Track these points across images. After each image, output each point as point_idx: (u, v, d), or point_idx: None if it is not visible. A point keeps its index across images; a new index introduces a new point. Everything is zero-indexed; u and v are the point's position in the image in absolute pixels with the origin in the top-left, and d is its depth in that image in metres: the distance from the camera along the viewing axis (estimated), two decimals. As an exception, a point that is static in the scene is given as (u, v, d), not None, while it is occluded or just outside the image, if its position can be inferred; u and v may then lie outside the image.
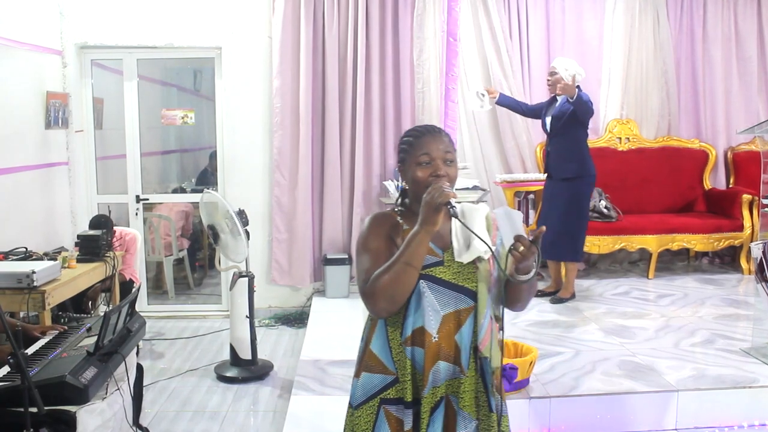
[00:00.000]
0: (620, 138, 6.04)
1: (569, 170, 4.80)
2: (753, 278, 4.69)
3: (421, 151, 1.84)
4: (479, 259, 1.83)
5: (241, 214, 4.33)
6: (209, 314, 5.70)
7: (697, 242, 5.65)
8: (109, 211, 5.63)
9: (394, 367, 1.84)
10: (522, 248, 1.71)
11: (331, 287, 5.37)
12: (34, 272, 3.41)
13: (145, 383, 3.37)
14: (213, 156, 6.21)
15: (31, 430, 2.02)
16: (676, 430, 3.34)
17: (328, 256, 5.44)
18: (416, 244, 1.73)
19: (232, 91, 5.46)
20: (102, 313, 3.03)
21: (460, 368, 1.82)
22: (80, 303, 4.43)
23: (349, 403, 1.91)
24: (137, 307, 3.17)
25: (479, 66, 5.73)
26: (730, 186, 6.11)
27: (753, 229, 5.59)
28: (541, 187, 5.41)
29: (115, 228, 4.64)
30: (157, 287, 6.27)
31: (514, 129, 5.76)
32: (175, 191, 7.04)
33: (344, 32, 5.39)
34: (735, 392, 3.41)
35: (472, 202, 2.16)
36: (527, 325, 4.44)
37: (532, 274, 1.78)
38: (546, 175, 5.03)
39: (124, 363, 2.65)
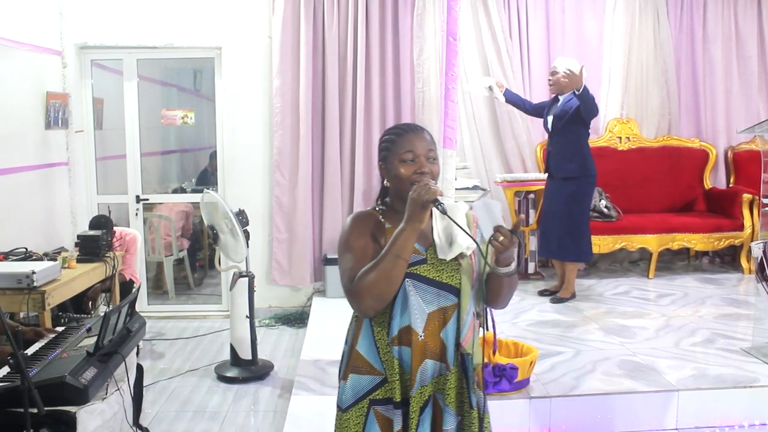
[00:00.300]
0: (620, 137, 6.03)
1: (570, 170, 4.80)
2: (753, 278, 4.69)
3: (405, 149, 1.84)
4: (462, 255, 1.84)
5: (241, 214, 4.33)
6: (209, 314, 5.70)
7: (697, 242, 5.65)
8: (109, 212, 5.63)
9: (382, 367, 1.84)
10: (502, 238, 1.71)
11: (332, 287, 5.36)
12: (34, 272, 3.41)
13: (145, 383, 3.37)
14: (213, 156, 6.21)
15: (31, 430, 2.02)
16: (676, 429, 3.34)
17: (329, 256, 5.43)
18: (403, 240, 1.73)
19: (232, 91, 5.46)
20: (102, 314, 3.03)
21: (445, 365, 1.84)
22: (80, 303, 4.43)
23: (338, 406, 1.91)
24: (137, 308, 3.17)
25: (479, 66, 5.73)
26: (731, 185, 6.11)
27: (753, 228, 5.59)
28: (542, 187, 5.42)
29: (115, 228, 4.64)
30: (157, 287, 6.26)
31: (515, 128, 5.76)
32: (175, 191, 7.04)
33: (344, 32, 5.39)
34: (735, 392, 3.41)
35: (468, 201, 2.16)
36: (527, 324, 4.44)
37: (513, 266, 1.78)
38: (546, 174, 5.03)
39: (124, 363, 2.65)
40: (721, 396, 3.39)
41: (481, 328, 1.92)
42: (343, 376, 1.90)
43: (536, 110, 5.14)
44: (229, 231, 4.21)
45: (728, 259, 6.16)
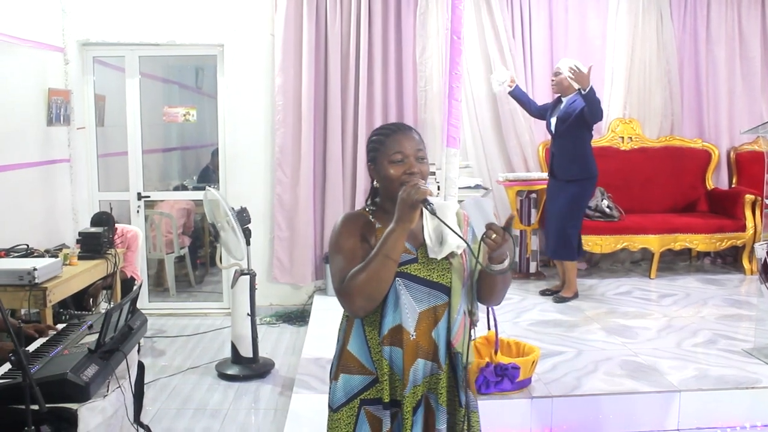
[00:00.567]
0: (623, 137, 6.03)
1: (573, 172, 4.80)
2: (755, 278, 4.68)
3: (394, 149, 1.83)
4: (452, 254, 1.84)
5: (242, 211, 4.32)
6: (210, 312, 5.69)
7: (699, 242, 5.64)
8: (111, 209, 5.60)
9: (373, 366, 1.84)
10: (494, 235, 1.71)
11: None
12: (35, 269, 3.41)
13: (146, 381, 3.37)
14: (215, 153, 6.21)
15: (33, 427, 2.01)
16: (678, 430, 3.34)
17: (330, 255, 5.42)
18: (393, 240, 1.73)
19: (234, 88, 5.45)
20: (103, 311, 3.03)
21: (437, 364, 1.84)
22: (81, 300, 4.43)
23: (329, 406, 1.91)
24: (138, 305, 3.16)
25: (482, 65, 5.72)
26: (733, 186, 6.10)
27: (755, 229, 5.58)
28: (544, 186, 5.42)
29: (116, 225, 4.63)
30: (158, 285, 6.26)
31: (517, 128, 5.76)
32: (176, 189, 7.03)
33: (347, 30, 5.38)
34: (737, 393, 3.41)
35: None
36: (529, 324, 4.43)
37: (507, 263, 1.77)
38: (549, 174, 5.03)
39: (125, 360, 2.65)
40: (722, 397, 3.38)
41: (473, 327, 1.92)
42: (334, 376, 1.91)
43: (539, 112, 5.14)
44: (231, 228, 4.21)
45: (730, 260, 6.15)
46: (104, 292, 4.55)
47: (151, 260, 6.11)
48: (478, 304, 1.95)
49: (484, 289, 1.89)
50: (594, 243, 5.44)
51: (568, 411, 3.31)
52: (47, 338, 2.78)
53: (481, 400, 3.15)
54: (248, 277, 4.28)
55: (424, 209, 1.77)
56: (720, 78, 6.01)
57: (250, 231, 4.35)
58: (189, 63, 7.41)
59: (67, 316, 4.08)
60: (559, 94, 4.93)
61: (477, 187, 5.16)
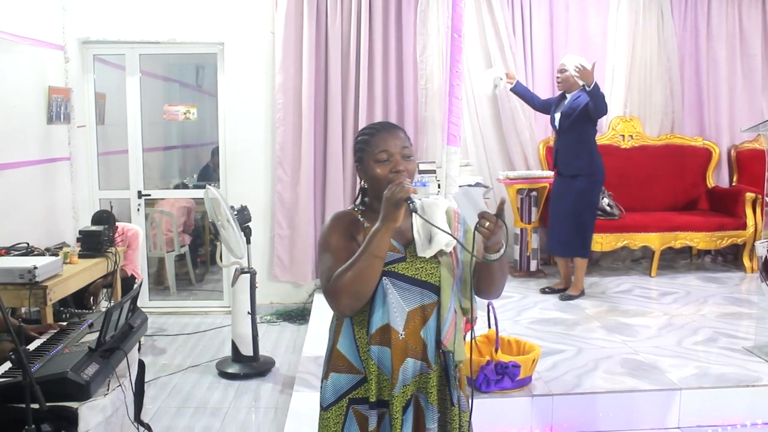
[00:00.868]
0: (623, 135, 6.02)
1: (578, 167, 4.79)
2: (755, 276, 4.68)
3: (379, 149, 1.82)
4: (441, 252, 1.83)
5: (243, 210, 4.32)
6: (211, 310, 5.69)
7: (699, 240, 5.64)
8: (111, 207, 5.61)
9: (362, 366, 1.84)
10: (488, 223, 1.70)
11: (333, 284, 5.35)
12: (35, 268, 3.41)
13: (146, 379, 3.37)
14: (215, 152, 6.20)
15: (33, 426, 2.01)
16: (678, 428, 3.34)
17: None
18: (378, 239, 1.72)
19: (234, 86, 5.45)
20: (103, 309, 3.03)
21: (427, 364, 1.83)
22: (82, 299, 4.43)
23: (320, 405, 1.91)
24: (139, 303, 3.16)
25: (483, 62, 5.72)
26: (734, 184, 6.09)
27: (756, 227, 5.58)
28: (545, 184, 5.43)
29: (117, 224, 4.63)
30: (158, 283, 6.26)
31: (517, 126, 5.75)
32: (177, 187, 7.03)
33: (347, 28, 5.38)
34: (738, 391, 3.41)
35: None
36: (530, 322, 4.43)
37: (503, 251, 1.77)
38: (554, 172, 5.02)
39: (125, 359, 2.64)
40: (723, 395, 3.38)
41: (468, 325, 1.91)
42: (324, 376, 1.90)
43: (543, 106, 5.14)
44: (231, 227, 4.21)
45: (731, 258, 6.15)
46: (104, 290, 4.55)
47: (151, 259, 6.11)
48: (477, 299, 1.94)
49: (483, 281, 1.88)
50: (595, 241, 5.41)
51: (569, 409, 3.31)
52: (47, 337, 2.78)
53: (481, 399, 3.17)
54: (249, 275, 4.28)
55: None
56: (721, 76, 6.01)
57: (250, 229, 4.35)
58: (189, 61, 7.41)
59: (68, 315, 4.09)
60: (564, 91, 4.92)
61: (477, 185, 5.15)
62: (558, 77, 4.91)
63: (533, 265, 5.67)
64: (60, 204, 5.16)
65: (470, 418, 1.94)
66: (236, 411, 3.78)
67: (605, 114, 4.76)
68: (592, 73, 4.51)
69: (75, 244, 4.36)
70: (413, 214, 1.78)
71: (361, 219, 1.87)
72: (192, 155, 8.05)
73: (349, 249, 1.79)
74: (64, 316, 4.05)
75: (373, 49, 5.41)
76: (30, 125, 4.75)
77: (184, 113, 5.69)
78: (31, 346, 2.64)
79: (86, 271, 4.00)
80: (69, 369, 2.29)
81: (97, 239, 4.22)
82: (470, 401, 1.95)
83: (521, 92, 5.14)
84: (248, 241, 4.33)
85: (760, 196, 5.50)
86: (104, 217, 4.51)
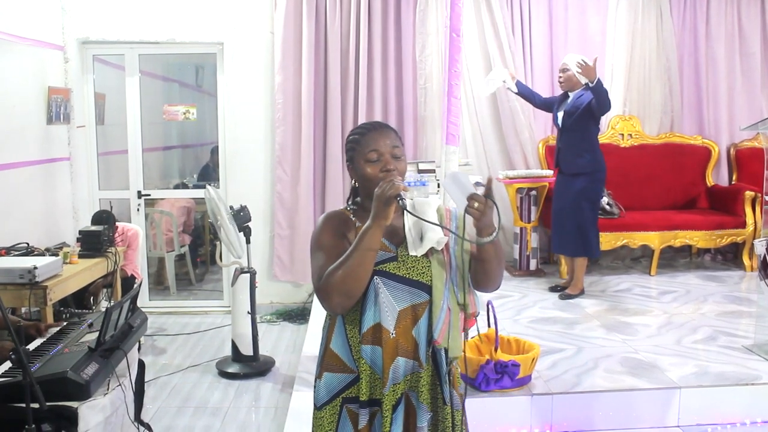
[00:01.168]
0: (623, 134, 6.02)
1: (580, 165, 4.79)
2: (755, 275, 4.67)
3: (369, 148, 1.83)
4: (432, 251, 1.83)
5: (243, 210, 4.32)
6: (211, 310, 5.70)
7: (699, 239, 5.64)
8: (111, 207, 5.61)
9: (354, 365, 1.84)
10: (477, 204, 1.70)
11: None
12: (36, 268, 3.42)
13: (146, 379, 3.37)
14: (215, 152, 6.21)
15: (33, 425, 2.02)
16: (678, 427, 3.34)
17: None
18: (368, 237, 1.72)
19: (234, 86, 5.45)
20: (103, 309, 3.03)
21: (418, 363, 1.83)
22: (82, 298, 4.43)
23: (314, 405, 1.91)
24: (139, 303, 3.16)
25: (482, 62, 5.72)
26: (733, 183, 6.09)
27: (755, 225, 5.58)
28: (544, 184, 5.43)
29: (116, 224, 4.64)
30: (158, 283, 6.27)
31: (517, 125, 5.76)
32: (176, 187, 7.04)
33: (346, 28, 5.38)
34: (737, 389, 3.41)
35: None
36: (529, 321, 4.43)
37: (496, 231, 1.76)
38: (555, 171, 5.02)
39: (125, 359, 2.65)
40: (722, 393, 3.39)
41: (470, 321, 1.91)
42: (318, 375, 1.91)
43: (545, 105, 5.14)
44: (231, 226, 4.21)
45: (730, 257, 6.15)
46: (104, 290, 4.55)
47: (151, 258, 6.12)
48: (477, 293, 1.93)
49: (480, 272, 1.88)
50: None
51: (568, 408, 3.31)
52: (47, 337, 2.79)
53: (481, 398, 3.17)
54: (248, 275, 4.29)
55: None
56: (720, 74, 6.01)
57: (250, 229, 4.36)
58: (189, 61, 7.41)
59: (68, 315, 4.08)
60: (566, 90, 4.91)
61: (477, 184, 5.14)
62: (560, 77, 4.91)
63: (533, 264, 5.67)
64: (60, 204, 5.17)
65: (464, 417, 1.94)
66: (236, 410, 3.78)
67: (609, 110, 4.75)
68: (594, 69, 4.51)
69: (75, 244, 4.37)
70: (405, 213, 1.78)
71: (353, 218, 1.88)
72: (192, 155, 8.05)
73: (341, 248, 1.79)
74: (64, 316, 4.04)
75: (372, 49, 5.41)
76: (30, 125, 4.75)
77: (184, 113, 5.69)
78: (31, 346, 2.64)
79: (86, 271, 4.01)
80: (69, 369, 2.29)
81: (97, 239, 4.22)
82: (463, 398, 1.94)
83: (523, 92, 5.14)
84: (248, 241, 4.33)
85: (759, 195, 5.50)
86: (104, 217, 4.51)
